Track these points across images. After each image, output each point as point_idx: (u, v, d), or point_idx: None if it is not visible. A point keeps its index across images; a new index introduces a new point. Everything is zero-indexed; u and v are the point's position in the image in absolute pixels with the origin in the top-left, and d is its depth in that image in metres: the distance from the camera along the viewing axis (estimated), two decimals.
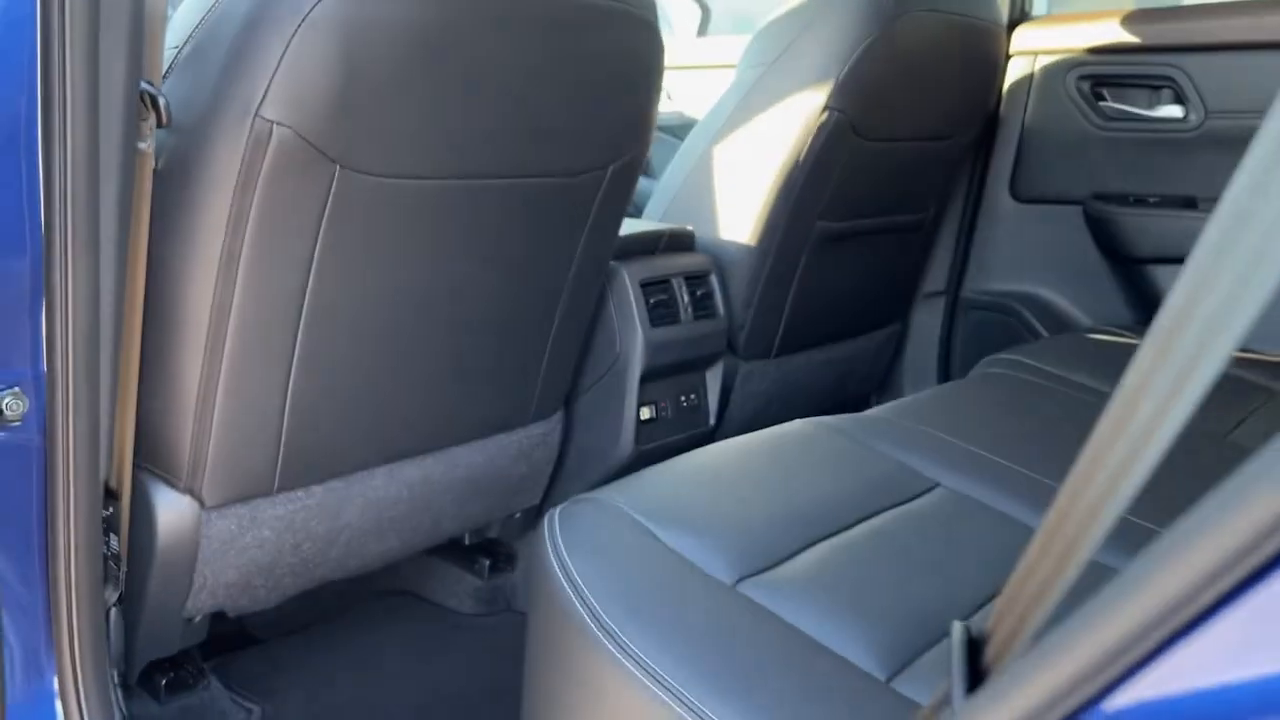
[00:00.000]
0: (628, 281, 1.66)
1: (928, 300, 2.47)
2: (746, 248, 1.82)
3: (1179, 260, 2.06)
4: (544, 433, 1.61)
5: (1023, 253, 2.35)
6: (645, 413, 1.72)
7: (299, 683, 1.51)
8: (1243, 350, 1.91)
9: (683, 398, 1.80)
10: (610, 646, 0.78)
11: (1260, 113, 1.95)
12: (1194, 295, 0.46)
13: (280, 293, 1.12)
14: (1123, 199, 2.18)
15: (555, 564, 0.86)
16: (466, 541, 1.76)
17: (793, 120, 1.74)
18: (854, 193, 1.89)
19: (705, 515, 0.97)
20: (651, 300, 1.68)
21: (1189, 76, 2.07)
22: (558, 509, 0.96)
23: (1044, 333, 2.29)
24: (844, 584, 0.90)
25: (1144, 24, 2.11)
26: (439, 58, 1.09)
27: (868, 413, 1.34)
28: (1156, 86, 2.13)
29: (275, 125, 1.01)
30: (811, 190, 1.79)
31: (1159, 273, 2.12)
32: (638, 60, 1.34)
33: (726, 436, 1.97)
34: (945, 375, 2.48)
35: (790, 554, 0.94)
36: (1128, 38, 2.12)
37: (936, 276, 2.45)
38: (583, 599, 0.82)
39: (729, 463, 1.11)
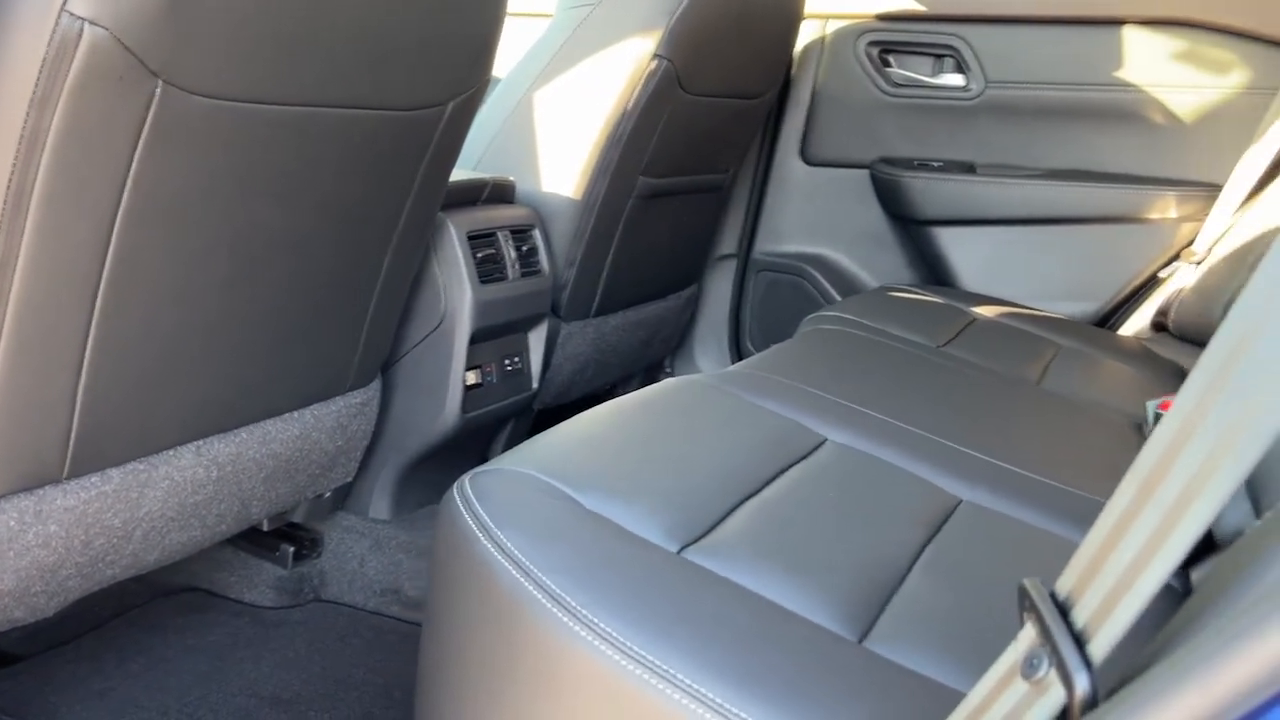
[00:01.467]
0: (454, 234, 1.52)
1: (720, 262, 2.47)
2: (571, 201, 1.73)
3: (961, 223, 2.18)
4: (362, 402, 1.45)
5: (812, 215, 2.40)
6: (471, 377, 1.59)
7: (80, 699, 1.27)
8: (1021, 307, 2.04)
9: (507, 361, 1.68)
10: (575, 626, 0.67)
11: (1035, 83, 2.09)
12: None
13: (79, 240, 0.91)
14: (908, 164, 2.27)
15: (487, 541, 0.75)
16: (265, 527, 1.56)
17: (621, 67, 1.66)
18: (673, 148, 1.84)
19: (627, 480, 0.88)
20: (479, 255, 1.55)
21: (970, 46, 2.17)
22: (465, 482, 0.84)
23: (834, 293, 2.36)
24: (785, 546, 0.84)
25: None
26: None
27: (731, 370, 1.29)
28: (940, 55, 2.23)
29: (86, 24, 0.81)
30: (636, 142, 1.72)
31: (942, 234, 2.23)
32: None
33: (544, 402, 1.88)
34: (737, 337, 2.51)
35: (721, 517, 0.87)
36: (914, 6, 2.20)
37: (728, 239, 2.46)
38: (530, 576, 0.71)
39: (629, 424, 1.02)
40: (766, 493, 0.94)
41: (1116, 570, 0.49)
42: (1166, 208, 2.04)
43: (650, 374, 2.44)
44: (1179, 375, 1.84)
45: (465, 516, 0.78)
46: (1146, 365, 1.82)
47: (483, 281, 1.55)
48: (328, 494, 1.54)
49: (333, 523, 1.64)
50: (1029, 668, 0.52)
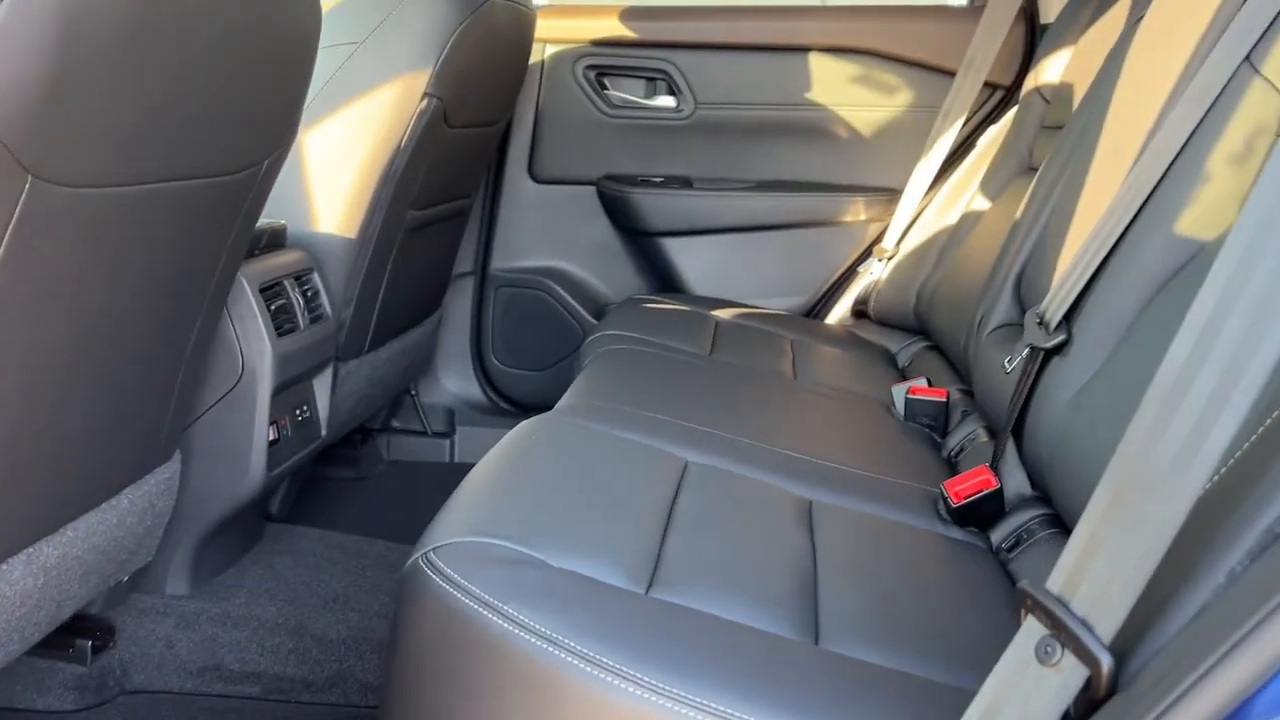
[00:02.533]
0: (247, 287, 1.45)
1: (457, 281, 2.50)
2: (346, 240, 1.70)
3: (685, 233, 2.37)
4: (169, 476, 1.36)
5: (546, 231, 2.49)
6: (271, 434, 1.53)
7: None
8: (746, 306, 2.27)
9: (298, 411, 1.63)
10: (621, 684, 0.74)
11: (739, 104, 2.31)
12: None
13: None
14: (631, 180, 2.42)
15: (499, 618, 0.78)
16: None
17: (392, 106, 1.65)
18: (435, 180, 1.86)
19: (571, 531, 0.94)
20: (272, 307, 1.50)
21: (680, 70, 2.36)
22: (433, 562, 0.86)
23: (574, 304, 2.47)
24: (722, 569, 0.95)
25: (640, 20, 2.35)
26: (154, 34, 0.87)
27: (570, 404, 1.36)
28: (652, 78, 2.40)
29: None
30: (407, 178, 1.73)
31: (669, 244, 2.41)
32: (300, 33, 1.18)
33: (327, 444, 1.84)
34: (480, 353, 2.55)
35: (657, 553, 0.95)
36: (626, 32, 2.35)
37: (464, 258, 2.49)
38: (560, 644, 0.75)
39: (532, 474, 1.07)
40: (676, 521, 1.03)
41: (1108, 564, 0.65)
42: (857, 211, 2.35)
43: (397, 400, 2.43)
44: (886, 356, 2.15)
45: (461, 597, 0.81)
46: (863, 349, 2.11)
47: (279, 334, 1.49)
48: (126, 578, 1.43)
49: (125, 607, 1.52)
50: (1044, 654, 0.66)
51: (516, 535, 0.90)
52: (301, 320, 1.56)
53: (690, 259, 2.42)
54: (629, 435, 1.26)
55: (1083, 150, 1.45)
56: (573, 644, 0.76)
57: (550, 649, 0.76)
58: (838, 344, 2.10)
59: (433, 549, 0.89)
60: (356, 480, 2.27)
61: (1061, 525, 1.17)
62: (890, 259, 2.26)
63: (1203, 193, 1.09)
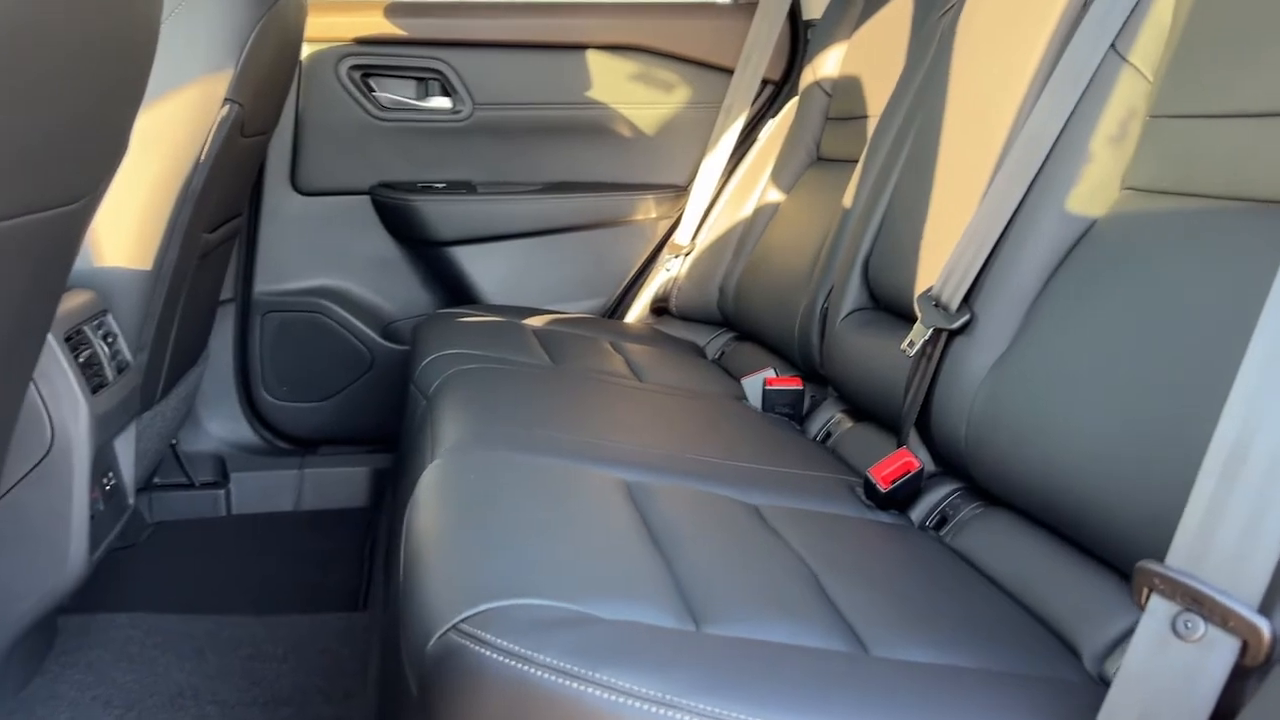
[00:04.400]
0: (52, 339, 1.20)
1: (219, 309, 2.23)
2: (138, 275, 1.45)
3: (474, 240, 2.27)
4: None
5: (316, 247, 2.29)
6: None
7: None
8: (550, 312, 2.21)
9: (104, 480, 1.37)
10: None
11: (519, 103, 2.24)
12: None
13: None
14: (410, 186, 2.27)
15: (590, 688, 0.68)
16: None
17: (188, 115, 1.43)
18: (226, 199, 1.63)
19: (600, 578, 0.85)
20: (80, 359, 1.25)
21: (455, 70, 2.25)
22: (469, 634, 0.73)
23: (358, 325, 2.29)
24: (745, 592, 0.90)
25: (408, 17, 2.21)
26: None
27: (462, 436, 1.24)
28: (424, 78, 2.26)
29: None
30: (206, 197, 1.50)
31: (458, 253, 2.29)
32: (140, 14, 0.98)
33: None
34: (247, 388, 2.30)
35: (675, 583, 0.89)
36: (394, 29, 2.20)
37: (225, 282, 2.23)
38: (669, 704, 0.67)
39: (506, 523, 0.95)
40: (664, 546, 0.96)
41: (1237, 528, 0.67)
42: (647, 209, 2.35)
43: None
44: (696, 350, 2.17)
45: (537, 672, 0.70)
46: (674, 346, 2.11)
47: (93, 390, 1.25)
48: None
49: None
50: (1184, 629, 0.68)
51: (551, 590, 0.80)
52: (109, 372, 1.31)
53: (481, 267, 2.32)
54: (555, 461, 1.17)
55: (921, 139, 1.52)
56: (688, 702, 0.68)
57: (667, 713, 0.68)
58: (650, 342, 2.09)
59: (463, 620, 0.76)
60: (124, 549, 1.96)
61: (982, 497, 1.22)
62: (687, 254, 2.28)
63: (1088, 171, 1.18)
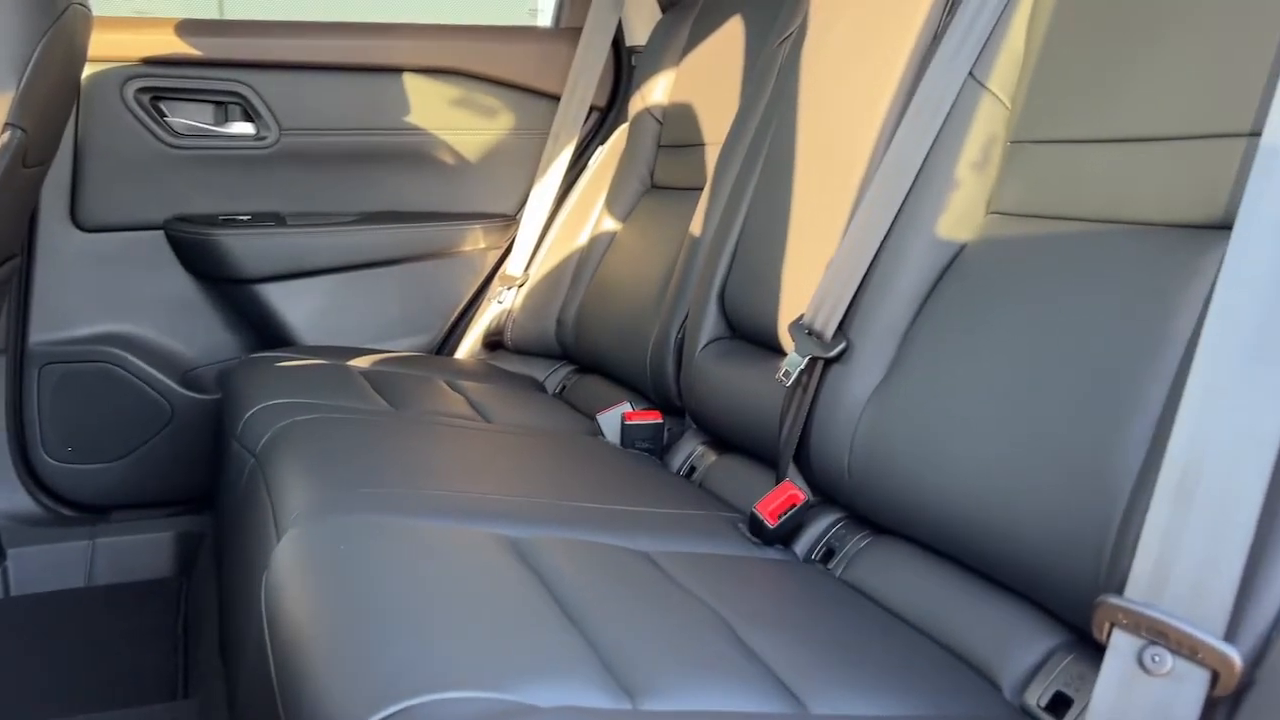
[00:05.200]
0: None
1: None
2: None
3: (285, 277, 2.10)
4: None
5: (102, 290, 2.05)
6: None
7: None
8: (376, 351, 2.07)
9: None
10: None
11: (331, 129, 2.10)
12: None
13: None
14: (211, 220, 2.08)
15: None
16: None
17: None
18: (2, 238, 1.42)
19: (521, 660, 0.75)
20: None
21: (257, 93, 2.07)
22: None
23: (154, 374, 2.06)
24: (671, 657, 0.82)
25: (204, 36, 2.02)
26: None
27: (321, 500, 1.11)
28: (224, 102, 2.08)
29: None
30: None
31: (267, 291, 2.11)
32: None
33: None
34: (23, 450, 2.03)
35: (596, 655, 0.80)
36: (187, 49, 2.01)
37: None
38: None
39: (398, 600, 0.84)
40: (572, 612, 0.88)
41: (1195, 557, 0.66)
42: (475, 239, 2.25)
43: None
44: (536, 385, 2.08)
45: None
46: (514, 382, 2.02)
47: None
48: None
49: None
50: (1153, 663, 0.66)
51: (473, 678, 0.70)
52: None
53: (293, 305, 2.14)
54: (427, 521, 1.05)
55: (772, 167, 1.51)
56: None
57: None
58: (486, 379, 1.99)
59: (387, 717, 0.66)
60: None
61: (866, 526, 1.21)
62: (521, 286, 2.19)
63: (954, 198, 1.18)
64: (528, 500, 1.19)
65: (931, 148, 1.20)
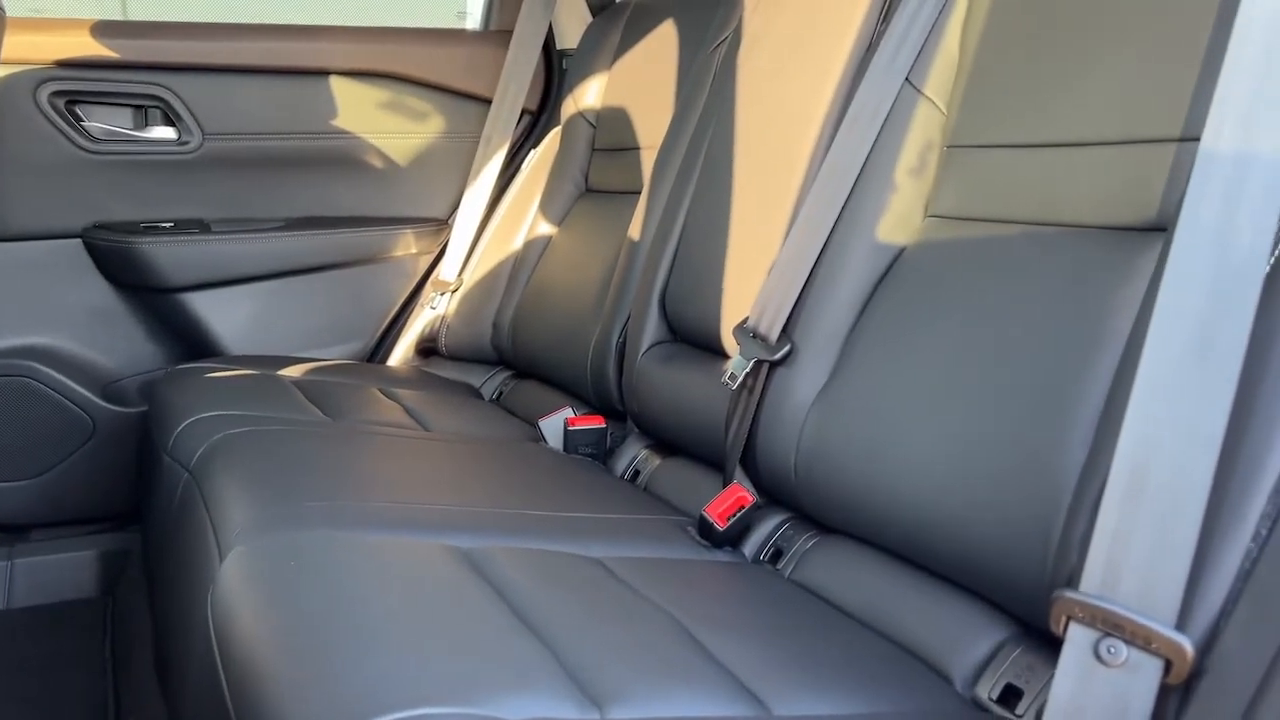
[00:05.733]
0: None
1: None
2: None
3: (211, 285, 2.05)
4: None
5: (15, 300, 1.97)
6: None
7: None
8: (305, 360, 2.04)
9: None
10: None
11: (257, 134, 2.06)
12: None
13: None
14: (132, 227, 2.01)
15: None
16: None
17: None
18: None
19: (490, 673, 0.74)
20: None
21: (179, 97, 2.02)
22: None
23: (75, 387, 1.99)
24: (635, 664, 0.82)
25: (121, 38, 1.96)
26: None
27: (265, 515, 1.08)
28: (143, 106, 2.01)
29: None
30: None
31: (193, 300, 2.05)
32: None
33: None
34: None
35: (560, 666, 0.80)
36: (104, 51, 1.95)
37: None
38: None
39: (360, 615, 0.82)
40: (532, 622, 0.87)
41: (1146, 549, 0.68)
42: (407, 244, 2.22)
43: None
44: (472, 391, 2.07)
45: None
46: (450, 389, 2.00)
47: None
48: None
49: None
50: (1108, 654, 0.68)
51: (443, 694, 0.69)
52: None
53: (219, 314, 2.08)
54: (377, 535, 1.04)
55: (710, 171, 1.52)
56: None
57: None
58: (421, 386, 1.96)
59: None
60: None
61: (814, 527, 1.22)
62: (454, 291, 2.17)
63: (893, 201, 1.21)
64: (476, 510, 1.17)
65: (870, 153, 1.22)
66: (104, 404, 2.02)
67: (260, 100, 2.07)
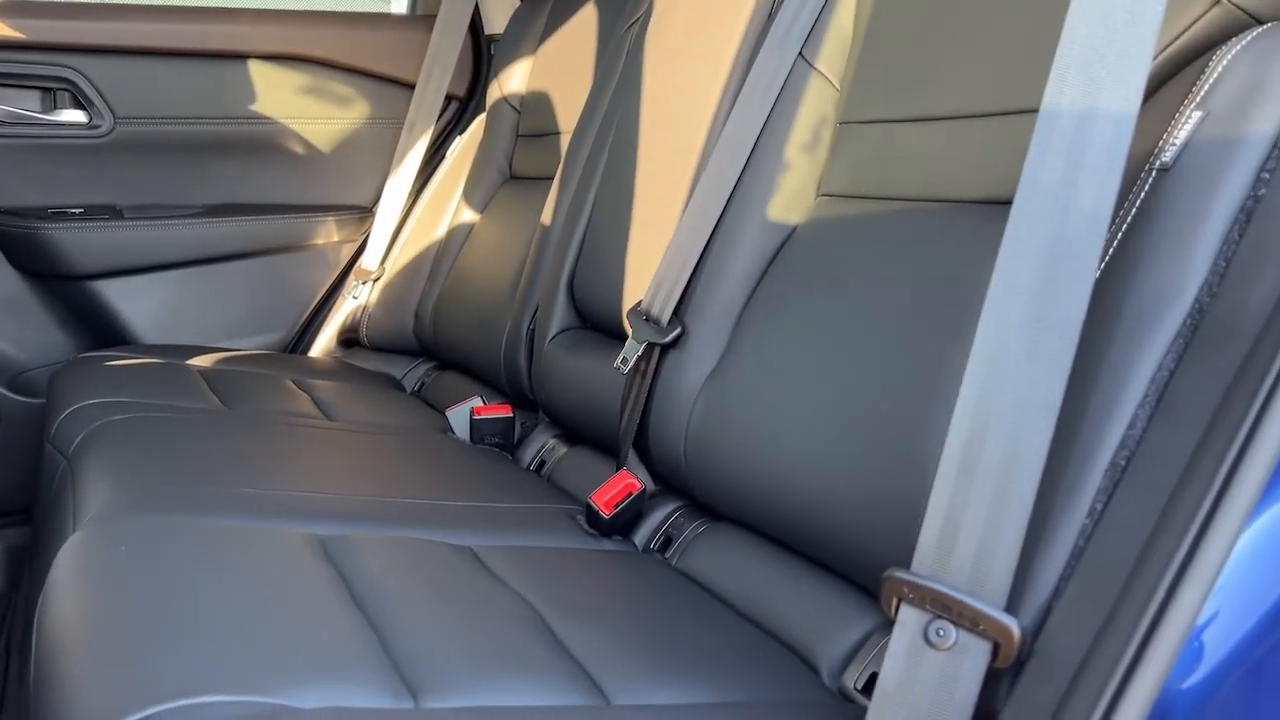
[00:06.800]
0: None
1: None
2: None
3: (123, 273, 1.99)
4: None
5: None
6: None
7: None
8: (220, 350, 1.98)
9: None
10: None
11: (172, 118, 2.00)
12: None
13: None
14: (39, 213, 1.95)
15: None
16: None
17: None
18: None
19: (294, 661, 0.70)
20: None
21: (89, 79, 1.96)
22: None
23: None
24: (468, 652, 0.78)
25: (27, 18, 1.90)
26: None
27: (116, 500, 1.04)
28: (50, 88, 1.95)
29: None
30: None
31: (103, 288, 1.99)
32: None
33: None
34: None
35: (387, 654, 0.76)
36: (8, 31, 1.89)
37: None
38: None
39: (176, 600, 0.77)
40: (370, 611, 0.83)
41: (977, 530, 0.64)
42: (329, 233, 2.17)
43: None
44: (393, 383, 2.02)
45: None
46: (368, 380, 1.95)
47: None
48: None
49: None
50: (937, 636, 0.64)
51: (234, 682, 0.65)
52: None
53: (132, 303, 2.03)
54: (228, 521, 0.99)
55: (617, 153, 1.48)
56: None
57: None
58: (339, 378, 1.91)
59: None
60: None
61: (705, 514, 1.18)
62: (376, 280, 2.12)
63: (785, 179, 1.17)
64: (348, 497, 1.13)
65: (763, 130, 1.19)
66: (11, 395, 1.96)
67: (176, 84, 2.02)
